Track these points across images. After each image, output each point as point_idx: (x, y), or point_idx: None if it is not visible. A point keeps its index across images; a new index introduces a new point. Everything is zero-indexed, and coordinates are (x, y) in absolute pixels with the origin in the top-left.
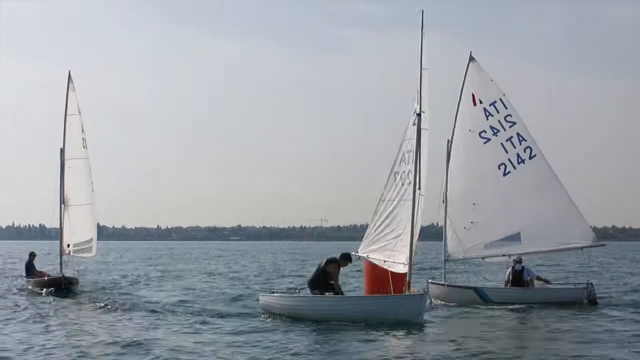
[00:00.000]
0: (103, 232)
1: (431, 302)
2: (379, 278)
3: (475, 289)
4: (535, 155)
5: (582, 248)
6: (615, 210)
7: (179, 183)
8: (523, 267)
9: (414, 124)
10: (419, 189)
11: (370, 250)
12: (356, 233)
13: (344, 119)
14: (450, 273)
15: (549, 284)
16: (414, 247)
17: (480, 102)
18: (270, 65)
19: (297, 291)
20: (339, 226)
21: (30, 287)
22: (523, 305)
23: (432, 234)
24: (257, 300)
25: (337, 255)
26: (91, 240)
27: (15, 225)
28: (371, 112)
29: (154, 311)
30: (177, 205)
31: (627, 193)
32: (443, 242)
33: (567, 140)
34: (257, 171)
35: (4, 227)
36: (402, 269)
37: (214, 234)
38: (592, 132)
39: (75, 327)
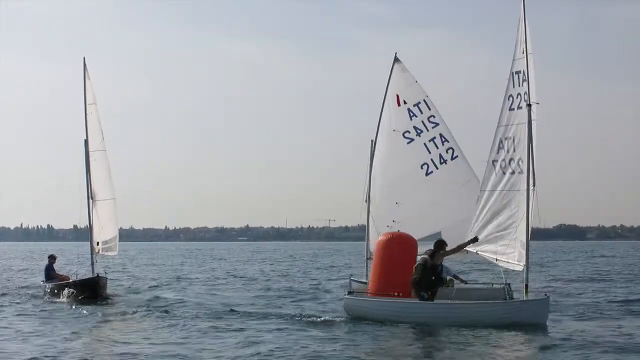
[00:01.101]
0: None
1: None
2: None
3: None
4: (457, 156)
5: None
6: (624, 209)
7: (187, 184)
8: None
9: (510, 109)
10: (534, 184)
11: (477, 244)
12: (363, 233)
13: (351, 118)
14: None
15: (465, 283)
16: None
17: (405, 103)
18: (277, 65)
19: (396, 294)
20: (346, 226)
21: (49, 292)
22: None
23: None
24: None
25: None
26: (115, 237)
27: (23, 227)
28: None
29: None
30: (185, 206)
31: (635, 192)
32: (366, 241)
33: (577, 140)
34: (265, 172)
35: (12, 228)
36: (517, 267)
37: (222, 234)
38: (602, 132)
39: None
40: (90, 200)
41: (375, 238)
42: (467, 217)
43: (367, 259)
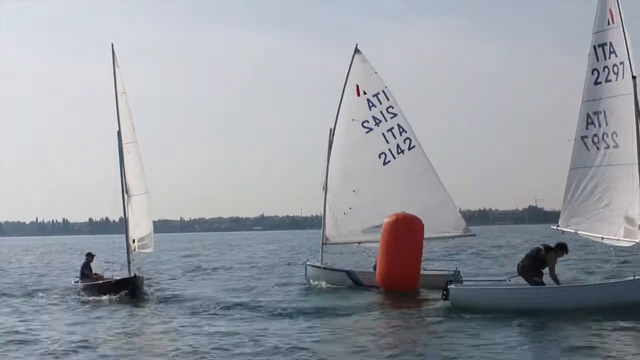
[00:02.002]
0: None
1: (309, 282)
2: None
3: (347, 271)
4: (414, 147)
5: (453, 237)
6: None
7: (202, 175)
8: None
9: (596, 83)
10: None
11: (575, 223)
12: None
13: None
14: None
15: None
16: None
17: (365, 93)
18: (287, 57)
19: (508, 280)
20: None
21: (83, 291)
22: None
23: None
24: (445, 292)
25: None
26: (150, 234)
27: (38, 221)
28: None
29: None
30: (200, 197)
31: None
32: (322, 227)
33: None
34: (278, 162)
35: (27, 222)
36: (625, 244)
37: (237, 224)
38: None
39: None
40: (125, 195)
41: (331, 224)
42: (422, 205)
43: (323, 244)
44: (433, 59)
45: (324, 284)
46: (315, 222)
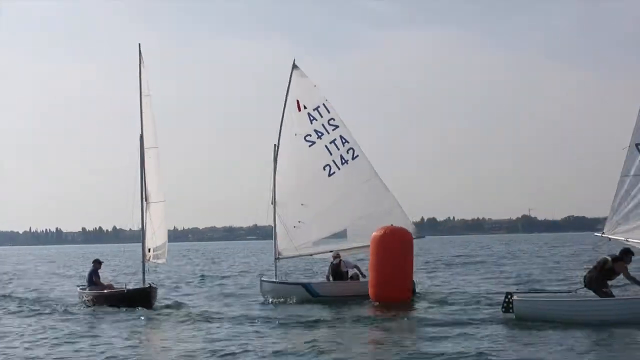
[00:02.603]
0: (119, 235)
1: (265, 299)
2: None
3: (303, 284)
4: (357, 156)
5: None
6: None
7: (194, 184)
8: (340, 260)
9: None
10: None
11: (624, 231)
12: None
13: (358, 116)
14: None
15: (364, 276)
16: None
17: (305, 107)
18: (282, 63)
19: (574, 292)
20: None
21: (91, 300)
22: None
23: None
24: (506, 304)
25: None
26: (165, 244)
27: (32, 230)
28: (389, 108)
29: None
30: (192, 207)
31: None
32: (274, 241)
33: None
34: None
35: (21, 232)
36: None
37: (231, 234)
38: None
39: None
40: (144, 202)
41: (283, 237)
42: (370, 214)
43: (276, 258)
44: (430, 68)
45: (270, 299)
46: None
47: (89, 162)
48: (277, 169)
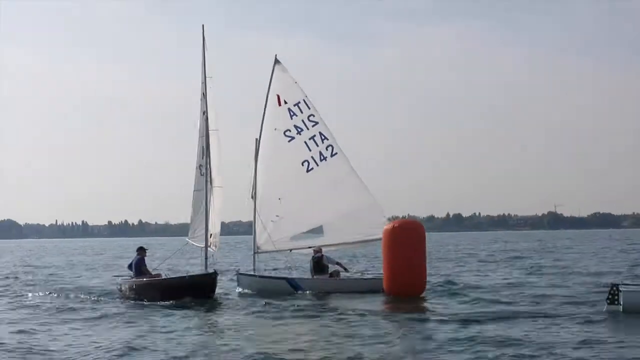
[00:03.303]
0: (145, 229)
1: (241, 291)
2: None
3: (286, 279)
4: (336, 154)
5: (380, 239)
6: None
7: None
8: (322, 255)
9: None
10: None
11: None
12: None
13: (383, 111)
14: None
15: (347, 271)
16: None
17: (285, 103)
18: (304, 57)
19: None
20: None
21: (139, 292)
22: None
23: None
24: (612, 296)
25: None
26: (219, 233)
27: (58, 224)
28: (414, 103)
29: None
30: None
31: None
32: (253, 235)
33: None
34: None
35: (47, 225)
36: None
37: (251, 228)
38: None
39: None
40: (210, 186)
41: (261, 232)
42: (347, 212)
43: (255, 252)
44: (456, 62)
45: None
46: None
47: (117, 156)
48: (258, 163)
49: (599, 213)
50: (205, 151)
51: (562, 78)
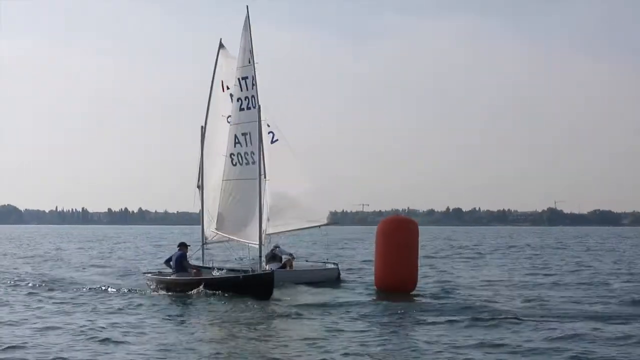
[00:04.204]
0: (145, 217)
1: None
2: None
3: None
4: (277, 140)
5: (319, 226)
6: None
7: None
8: (275, 247)
9: None
10: None
11: None
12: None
13: (386, 106)
14: None
15: (293, 258)
16: None
17: (228, 88)
18: (313, 53)
19: None
20: (380, 211)
21: (170, 286)
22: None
23: None
24: None
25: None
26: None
27: (58, 210)
28: (417, 99)
29: None
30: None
31: None
32: (201, 227)
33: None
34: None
35: (47, 211)
36: None
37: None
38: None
39: None
40: (264, 178)
41: (209, 223)
42: (290, 199)
43: (203, 244)
44: (456, 60)
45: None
46: (334, 218)
47: (118, 144)
48: (204, 151)
49: (599, 210)
50: (259, 143)
51: (564, 76)
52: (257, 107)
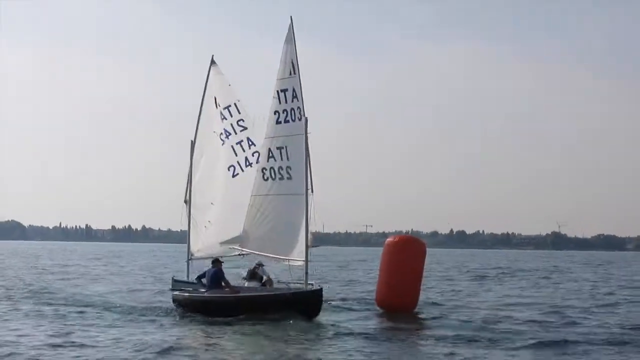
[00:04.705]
0: (149, 234)
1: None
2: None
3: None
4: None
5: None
6: None
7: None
8: (257, 266)
9: None
10: None
11: None
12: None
13: (389, 128)
14: None
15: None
16: None
17: (219, 105)
18: (319, 69)
19: None
20: (384, 232)
21: (205, 304)
22: None
23: None
24: None
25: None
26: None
27: (62, 226)
28: (420, 118)
29: None
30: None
31: None
32: (187, 242)
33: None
34: None
35: (51, 227)
36: None
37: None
38: None
39: None
40: (310, 192)
41: (195, 238)
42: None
43: (188, 259)
44: (460, 81)
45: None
46: (337, 239)
47: (122, 161)
48: (193, 166)
49: (603, 235)
50: (306, 158)
51: (568, 97)
52: (302, 119)
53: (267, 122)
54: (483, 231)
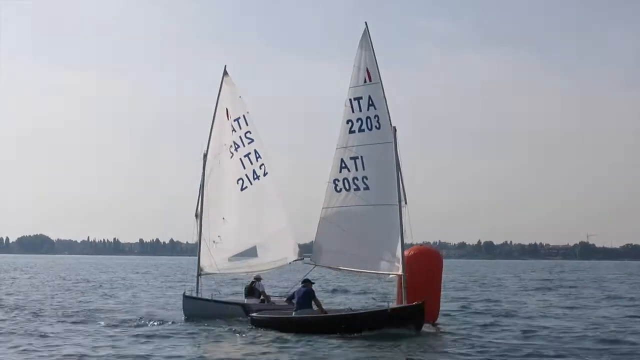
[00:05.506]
0: (176, 248)
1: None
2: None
3: (242, 304)
4: (267, 173)
5: (290, 263)
6: None
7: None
8: (254, 281)
9: None
10: None
11: None
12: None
13: (419, 138)
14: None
15: (267, 298)
16: None
17: (230, 117)
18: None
19: None
20: (411, 243)
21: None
22: None
23: None
24: None
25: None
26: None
27: (90, 240)
28: (453, 131)
29: None
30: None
31: None
32: (197, 257)
33: None
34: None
35: (79, 241)
36: None
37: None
38: None
39: None
40: (403, 203)
41: (205, 253)
42: (276, 232)
43: (198, 275)
44: (495, 91)
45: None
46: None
47: (150, 175)
48: (205, 180)
49: (631, 244)
50: (396, 167)
51: (597, 111)
52: (382, 128)
53: (339, 132)
54: (511, 242)
